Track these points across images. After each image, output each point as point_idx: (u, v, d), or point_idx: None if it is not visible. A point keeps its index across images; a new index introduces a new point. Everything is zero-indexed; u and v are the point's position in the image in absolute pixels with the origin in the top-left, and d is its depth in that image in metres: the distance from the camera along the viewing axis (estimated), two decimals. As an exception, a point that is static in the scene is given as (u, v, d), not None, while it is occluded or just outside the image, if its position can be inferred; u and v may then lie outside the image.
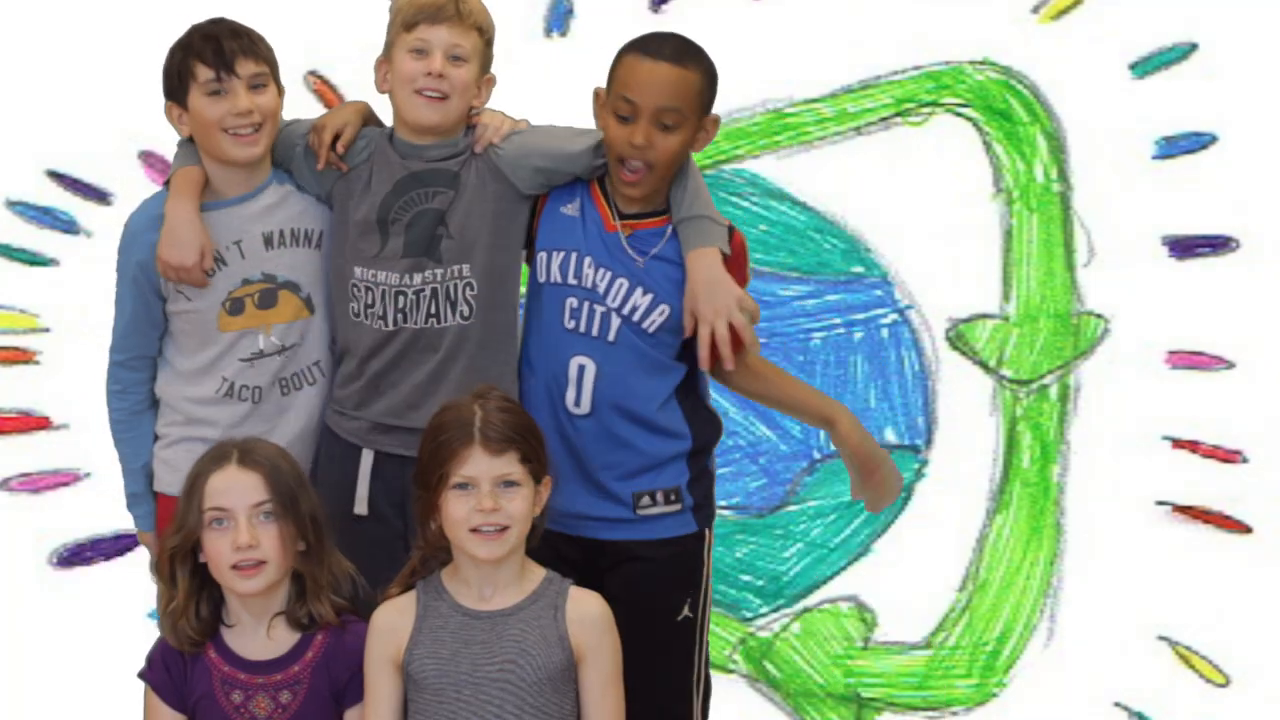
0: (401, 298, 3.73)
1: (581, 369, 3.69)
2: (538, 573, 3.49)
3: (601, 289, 3.68)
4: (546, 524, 3.56)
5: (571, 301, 3.70)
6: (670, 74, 3.62)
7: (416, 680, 3.43)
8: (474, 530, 3.40)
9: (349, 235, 3.77)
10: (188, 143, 3.80)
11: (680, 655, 3.77)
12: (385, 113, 3.87)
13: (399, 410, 3.75)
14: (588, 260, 3.69)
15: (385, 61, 3.75)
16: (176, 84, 3.73)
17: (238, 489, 3.45)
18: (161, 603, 3.51)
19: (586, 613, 3.45)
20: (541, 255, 3.75)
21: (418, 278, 3.72)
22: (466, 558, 3.45)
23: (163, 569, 3.48)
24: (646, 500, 3.72)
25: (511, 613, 3.44)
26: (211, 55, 3.69)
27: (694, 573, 3.77)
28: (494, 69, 3.81)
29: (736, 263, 3.70)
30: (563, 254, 3.71)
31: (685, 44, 3.68)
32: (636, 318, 3.68)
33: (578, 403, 3.70)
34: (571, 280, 3.70)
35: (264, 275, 3.75)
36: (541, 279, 3.74)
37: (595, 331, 3.69)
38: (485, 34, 3.74)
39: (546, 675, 3.40)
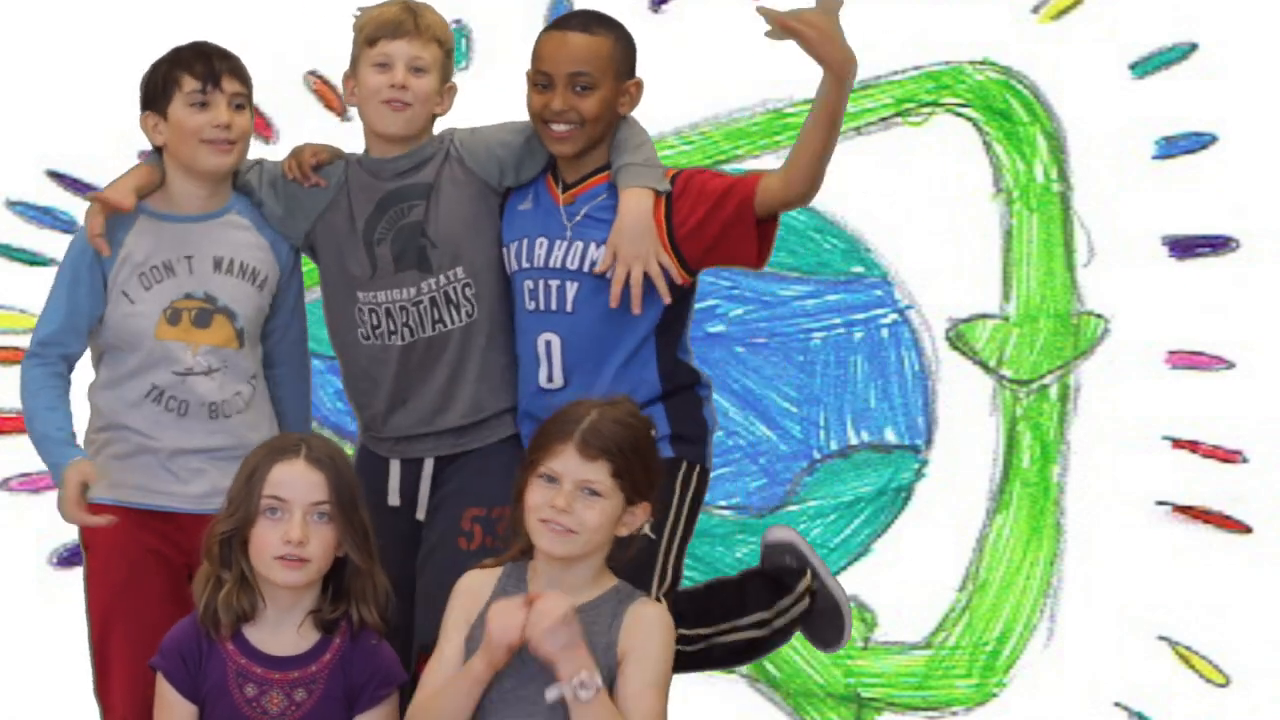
0: (405, 312, 3.85)
1: (548, 344, 3.80)
2: (610, 582, 3.48)
3: (555, 261, 3.80)
4: None
5: (529, 284, 3.83)
6: (577, 40, 3.80)
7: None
8: (543, 520, 3.40)
9: (345, 267, 3.89)
10: (155, 154, 3.91)
11: (634, 573, 3.68)
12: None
13: (427, 418, 3.87)
14: (539, 241, 3.83)
15: (351, 77, 3.89)
16: (159, 93, 3.85)
17: (301, 484, 3.45)
18: (204, 583, 3.50)
19: (641, 615, 3.42)
20: (505, 251, 3.88)
21: (412, 290, 3.84)
22: (542, 552, 3.44)
23: (213, 551, 3.48)
24: None
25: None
26: (200, 68, 3.83)
27: (662, 495, 3.71)
28: (482, 70, 3.91)
29: (692, 186, 3.79)
30: (517, 242, 3.85)
31: (594, 14, 3.89)
32: (590, 269, 3.78)
33: (550, 378, 3.82)
34: (526, 264, 3.83)
35: (205, 295, 3.85)
36: (508, 272, 3.88)
37: (554, 305, 3.81)
38: (444, 45, 3.88)
39: None
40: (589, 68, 3.78)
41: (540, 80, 3.81)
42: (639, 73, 3.88)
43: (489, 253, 3.87)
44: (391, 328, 3.85)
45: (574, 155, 3.83)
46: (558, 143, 3.81)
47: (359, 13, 3.91)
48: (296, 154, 3.95)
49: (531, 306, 3.84)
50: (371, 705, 3.48)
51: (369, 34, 3.85)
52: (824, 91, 3.71)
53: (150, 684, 3.55)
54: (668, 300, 3.77)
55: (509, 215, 3.90)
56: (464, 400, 3.85)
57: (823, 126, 3.71)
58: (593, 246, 3.80)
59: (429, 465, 3.88)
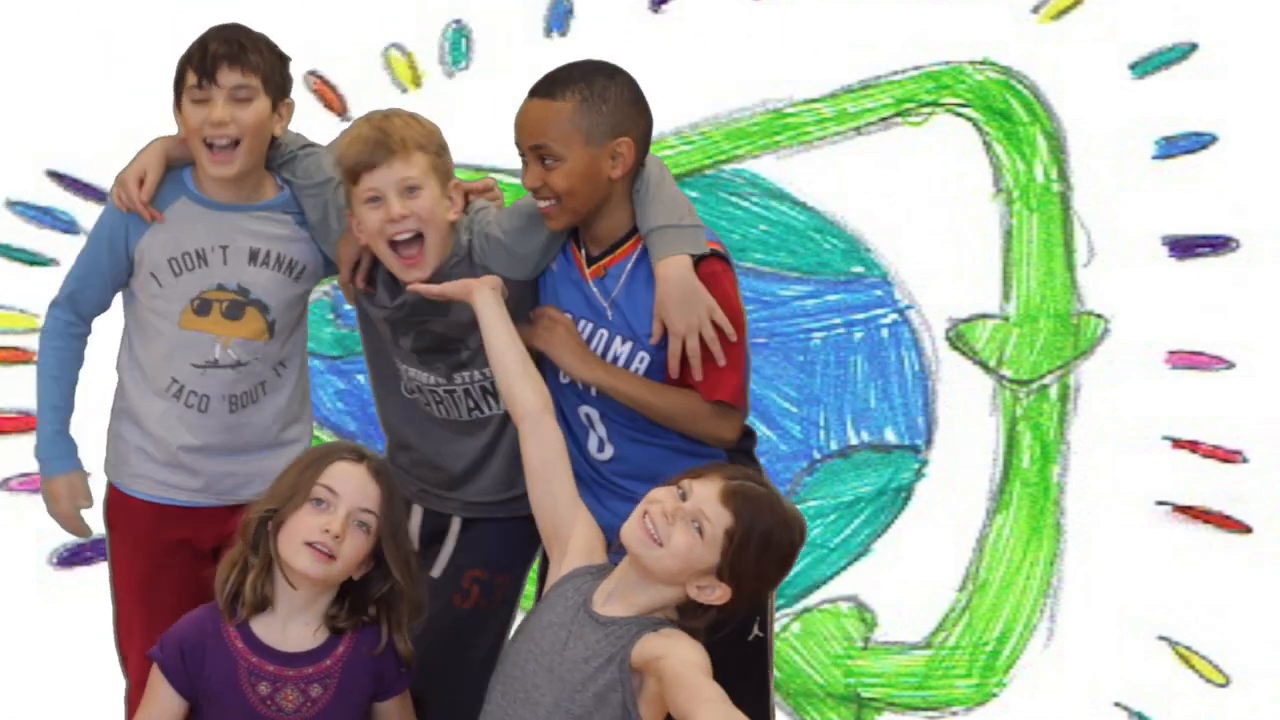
0: (435, 394, 3.71)
1: (589, 417, 3.62)
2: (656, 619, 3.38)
3: (590, 346, 3.59)
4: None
5: None
6: (533, 110, 3.51)
7: (520, 621, 3.41)
8: (645, 517, 3.26)
9: (379, 330, 3.75)
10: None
11: (757, 678, 3.67)
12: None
13: (452, 484, 3.75)
14: (581, 323, 3.61)
15: (353, 215, 3.62)
16: (176, 88, 3.72)
17: (356, 484, 3.41)
18: (229, 566, 3.44)
19: (662, 630, 3.30)
20: None
21: (443, 380, 3.70)
22: (630, 558, 3.34)
23: (249, 529, 3.42)
24: None
25: (604, 623, 3.33)
26: (197, 61, 3.67)
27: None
28: (482, 71, 3.77)
29: (716, 277, 3.54)
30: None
31: (562, 73, 3.55)
32: (621, 365, 3.59)
33: (600, 449, 3.63)
34: None
35: (239, 287, 3.75)
36: None
37: (586, 385, 3.60)
38: (429, 148, 3.59)
39: (594, 691, 3.29)
40: (547, 139, 3.47)
41: (521, 155, 3.53)
42: (636, 70, 3.71)
43: None
44: (425, 401, 3.72)
45: (567, 229, 3.56)
46: (547, 219, 3.54)
47: (331, 145, 3.71)
48: (341, 260, 3.71)
49: (565, 380, 3.60)
50: (394, 693, 3.47)
51: (349, 170, 3.58)
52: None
53: None
54: (722, 363, 3.50)
55: (543, 280, 3.66)
56: (493, 477, 3.72)
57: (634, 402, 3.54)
58: (619, 342, 3.56)
59: (455, 525, 3.75)
